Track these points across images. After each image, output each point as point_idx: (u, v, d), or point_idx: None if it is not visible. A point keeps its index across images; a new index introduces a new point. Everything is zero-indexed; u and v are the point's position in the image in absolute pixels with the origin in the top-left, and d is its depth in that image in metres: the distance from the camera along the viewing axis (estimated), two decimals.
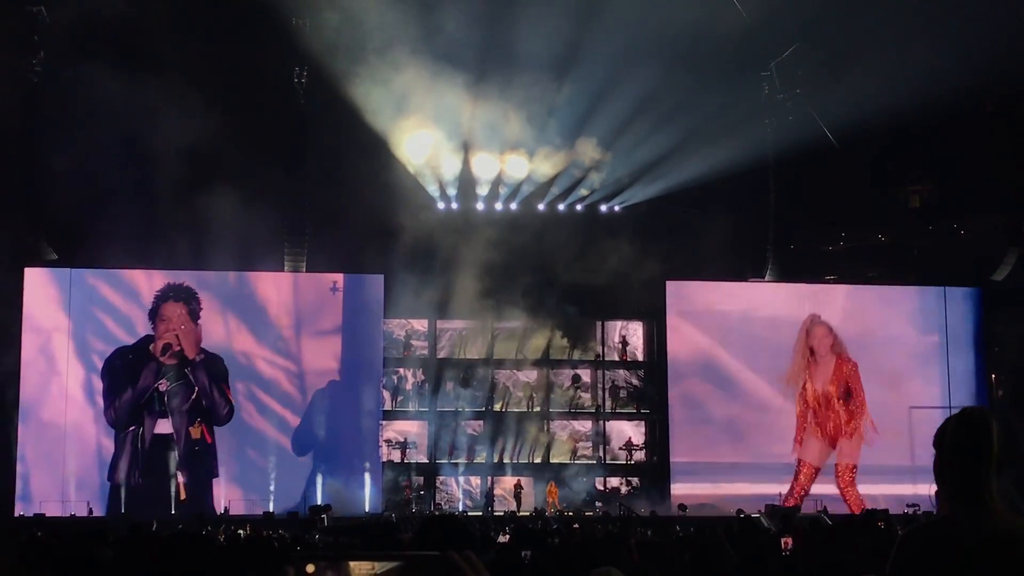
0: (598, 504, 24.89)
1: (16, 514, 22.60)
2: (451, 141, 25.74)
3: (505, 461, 25.80)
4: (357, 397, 24.71)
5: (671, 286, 25.90)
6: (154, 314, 24.11)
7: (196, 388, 23.98)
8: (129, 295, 24.19)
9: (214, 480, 23.84)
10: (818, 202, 27.43)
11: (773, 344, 25.83)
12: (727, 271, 26.64)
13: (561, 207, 27.17)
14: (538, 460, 26.01)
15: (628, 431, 26.59)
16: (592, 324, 26.98)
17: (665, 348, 25.79)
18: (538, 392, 26.36)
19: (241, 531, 18.31)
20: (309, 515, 21.27)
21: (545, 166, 26.33)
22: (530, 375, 26.46)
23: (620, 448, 26.31)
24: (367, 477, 24.43)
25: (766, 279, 27.10)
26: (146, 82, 22.09)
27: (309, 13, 24.15)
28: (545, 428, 26.26)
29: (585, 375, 26.76)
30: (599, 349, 26.90)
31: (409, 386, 26.15)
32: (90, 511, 22.78)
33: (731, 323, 25.87)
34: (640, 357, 26.97)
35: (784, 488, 24.93)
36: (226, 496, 23.66)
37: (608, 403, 26.65)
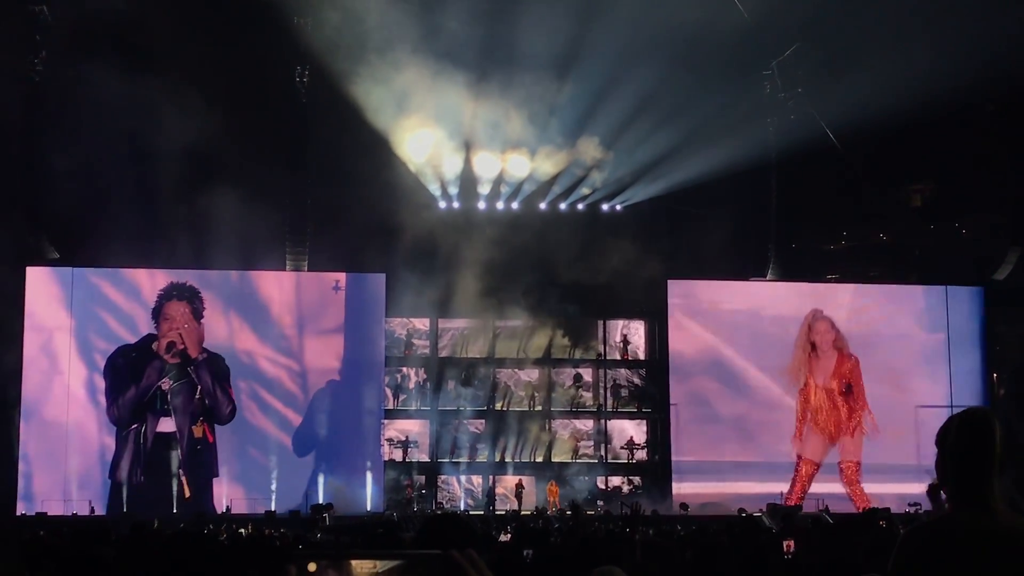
0: (599, 503, 24.89)
1: (18, 513, 22.62)
2: (452, 140, 25.74)
3: (507, 460, 25.81)
4: (359, 396, 24.72)
5: (672, 285, 25.91)
6: (157, 313, 24.12)
7: (199, 387, 24.00)
8: (131, 294, 24.20)
9: (214, 480, 23.85)
10: (819, 201, 27.45)
11: (776, 343, 25.83)
12: (728, 270, 26.64)
13: (562, 206, 27.17)
14: (540, 459, 26.01)
15: (629, 430, 26.60)
16: (594, 323, 26.99)
17: (667, 347, 25.80)
18: (540, 391, 26.36)
19: (243, 530, 18.34)
20: (311, 514, 21.26)
21: (547, 165, 26.33)
22: (531, 374, 26.46)
23: (622, 447, 26.31)
24: (369, 476, 24.44)
25: (767, 278, 27.11)
26: (147, 81, 22.10)
27: (310, 12, 24.15)
28: (547, 427, 26.27)
29: (587, 374, 26.76)
30: (601, 348, 26.91)
31: (411, 385, 26.16)
32: (92, 510, 22.78)
33: (733, 322, 25.87)
34: (642, 356, 26.97)
35: (786, 487, 24.93)
36: (228, 495, 23.66)
37: (610, 402, 26.66)
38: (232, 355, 24.26)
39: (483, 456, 25.77)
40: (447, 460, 25.66)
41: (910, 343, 26.24)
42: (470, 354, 26.35)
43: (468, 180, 26.50)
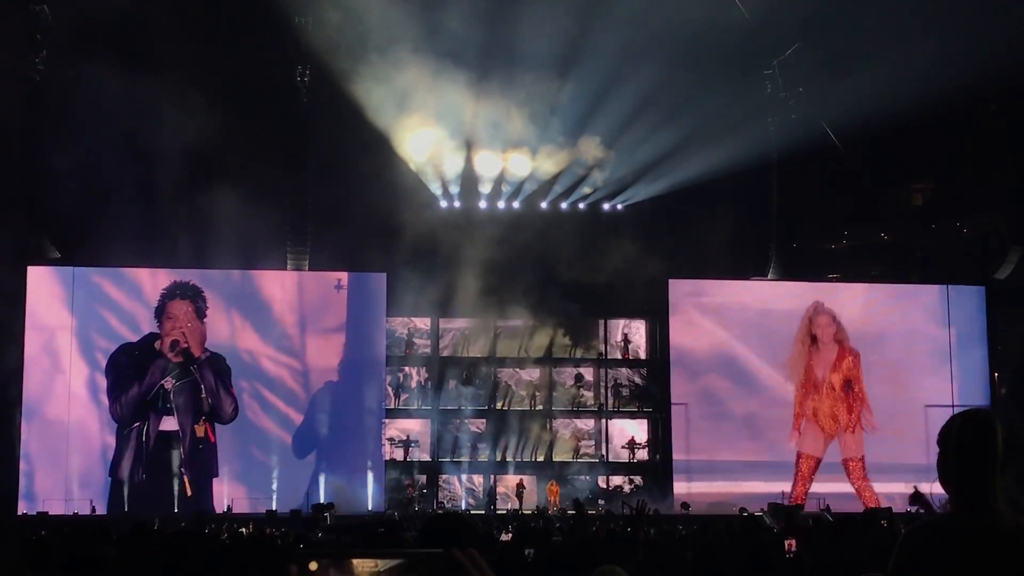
0: (601, 502, 24.90)
1: (19, 512, 22.62)
2: (453, 139, 25.75)
3: (508, 459, 25.81)
4: (360, 395, 24.72)
5: (674, 284, 25.91)
6: (160, 311, 24.14)
7: (202, 386, 24.01)
8: (132, 293, 24.22)
9: (215, 479, 23.85)
10: (821, 200, 27.46)
11: (779, 342, 25.83)
12: (730, 269, 26.64)
13: (564, 205, 27.18)
14: (541, 458, 26.02)
15: (630, 429, 26.60)
16: (595, 322, 27.00)
17: (668, 346, 25.81)
18: (541, 390, 26.37)
19: (244, 529, 18.36)
20: (312, 513, 21.28)
21: (548, 164, 26.33)
22: (532, 373, 26.47)
23: (623, 447, 26.32)
24: (370, 475, 24.44)
25: (769, 278, 27.11)
26: (148, 80, 22.11)
27: (311, 11, 24.15)
28: (548, 426, 26.28)
29: (588, 373, 26.77)
30: (601, 347, 26.92)
31: (413, 384, 26.17)
32: (93, 509, 22.80)
33: (734, 321, 25.87)
34: (643, 355, 26.98)
35: (787, 486, 24.92)
36: (229, 494, 23.66)
37: (610, 401, 26.67)
38: (234, 354, 24.27)
39: (484, 455, 25.78)
40: (448, 459, 25.67)
41: (916, 342, 26.24)
42: (471, 353, 26.36)
43: (469, 179, 26.51)
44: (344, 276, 24.96)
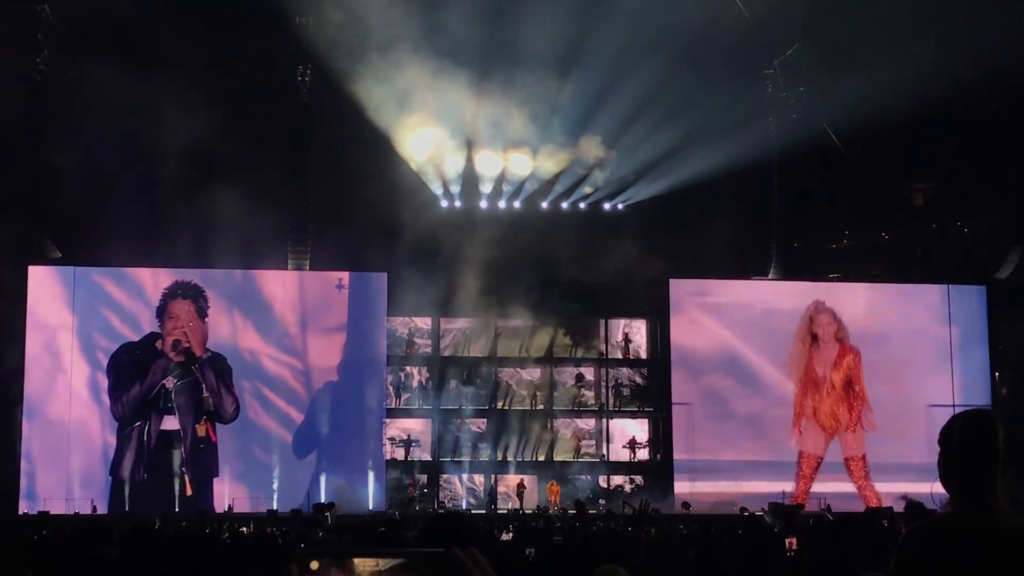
0: (601, 502, 24.90)
1: (21, 512, 22.62)
2: (454, 139, 25.75)
3: (508, 459, 25.81)
4: (361, 395, 24.73)
5: (674, 284, 25.91)
6: (162, 311, 24.14)
7: (204, 386, 24.02)
8: (134, 292, 24.23)
9: (216, 479, 23.86)
10: (821, 200, 27.46)
11: (780, 342, 25.82)
12: (730, 269, 26.64)
13: (564, 205, 27.18)
14: (541, 458, 26.03)
15: (631, 429, 26.60)
16: (595, 322, 27.01)
17: (668, 346, 25.80)
18: (541, 390, 26.38)
19: (245, 529, 18.35)
20: (313, 513, 21.27)
21: (548, 164, 26.33)
22: (533, 373, 26.48)
23: (623, 446, 26.32)
24: (371, 475, 24.44)
25: (770, 277, 27.10)
26: (149, 80, 22.12)
27: (312, 11, 24.15)
28: (548, 426, 26.29)
29: (588, 373, 26.78)
30: (602, 347, 26.93)
31: (413, 384, 26.18)
32: (94, 508, 22.81)
33: (735, 321, 25.87)
34: (643, 355, 26.98)
35: (788, 486, 24.91)
36: (230, 494, 23.67)
37: (611, 401, 26.68)
38: (235, 354, 24.28)
39: (485, 455, 25.79)
40: (449, 459, 25.68)
41: (917, 342, 26.23)
42: (472, 353, 26.37)
43: (470, 179, 26.51)
44: (345, 276, 24.97)
